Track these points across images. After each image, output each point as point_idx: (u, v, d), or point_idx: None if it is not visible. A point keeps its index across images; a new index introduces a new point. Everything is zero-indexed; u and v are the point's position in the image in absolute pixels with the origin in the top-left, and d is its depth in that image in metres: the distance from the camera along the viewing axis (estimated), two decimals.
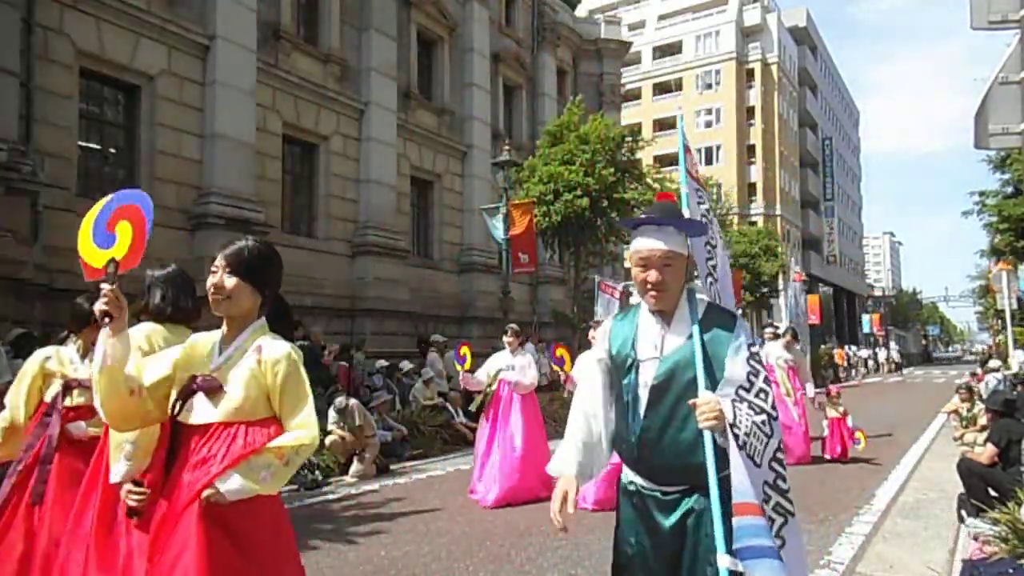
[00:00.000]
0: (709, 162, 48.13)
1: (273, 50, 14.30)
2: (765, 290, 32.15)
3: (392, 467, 8.69)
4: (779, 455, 1.98)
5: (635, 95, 50.55)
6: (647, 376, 2.08)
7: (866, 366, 37.36)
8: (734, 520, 1.82)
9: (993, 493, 5.45)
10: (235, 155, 12.91)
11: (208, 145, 12.65)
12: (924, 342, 73.39)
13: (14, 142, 9.66)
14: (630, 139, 18.10)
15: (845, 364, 31.92)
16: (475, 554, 5.00)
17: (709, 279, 2.22)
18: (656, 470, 2.09)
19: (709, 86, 50.24)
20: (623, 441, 2.15)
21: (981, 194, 22.24)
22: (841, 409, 8.91)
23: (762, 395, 1.98)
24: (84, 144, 11.38)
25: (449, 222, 19.48)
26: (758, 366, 2.03)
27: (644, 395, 2.08)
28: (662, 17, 55.10)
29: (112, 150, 11.99)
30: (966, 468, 5.86)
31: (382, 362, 12.55)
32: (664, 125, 50.39)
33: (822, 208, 58.29)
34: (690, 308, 2.11)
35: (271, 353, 2.09)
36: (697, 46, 51.10)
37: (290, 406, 2.07)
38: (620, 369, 2.16)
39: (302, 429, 2.05)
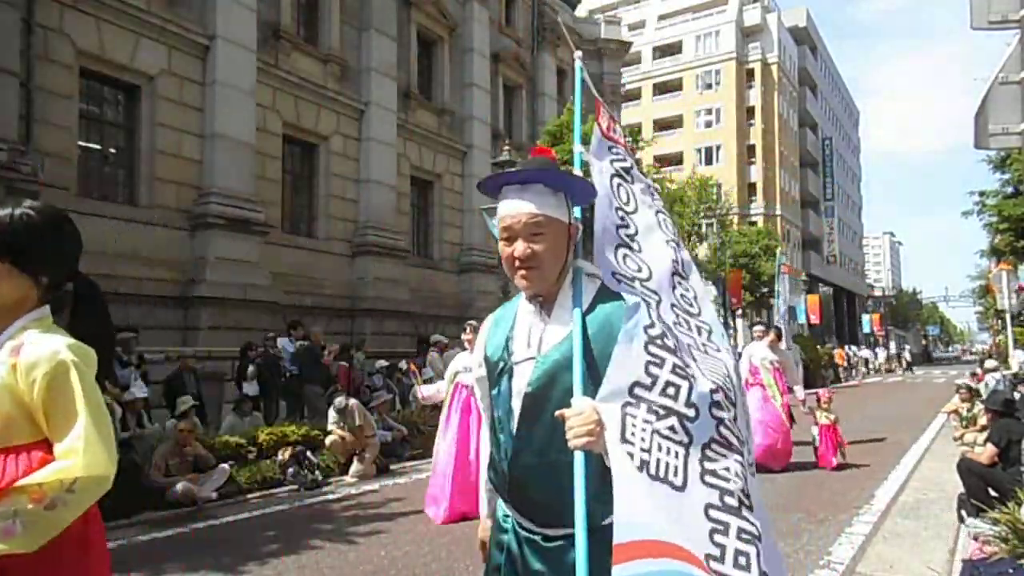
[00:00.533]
0: (709, 162, 48.15)
1: (273, 50, 14.30)
2: (765, 290, 32.19)
3: (392, 467, 8.69)
4: (710, 464, 1.43)
5: (635, 95, 50.58)
6: (521, 382, 1.61)
7: (866, 366, 37.35)
8: (614, 570, 1.31)
9: (993, 493, 5.45)
10: (235, 155, 12.92)
11: (208, 145, 12.66)
12: (924, 342, 73.43)
13: (14, 142, 9.67)
14: (629, 139, 18.12)
15: (845, 364, 31.91)
16: (475, 554, 4.97)
17: (622, 251, 1.68)
18: (534, 506, 1.59)
19: (709, 86, 50.25)
20: (495, 467, 1.69)
21: (981, 194, 22.28)
22: (832, 416, 8.50)
23: (671, 391, 1.44)
24: (84, 144, 11.39)
25: (449, 222, 19.49)
26: (664, 354, 1.47)
27: (517, 407, 1.60)
28: (662, 17, 55.12)
29: (112, 150, 12.00)
30: (966, 468, 5.86)
31: (382, 362, 12.56)
32: (664, 125, 50.46)
33: (822, 208, 58.31)
34: (575, 292, 1.62)
35: (30, 354, 1.51)
36: (697, 46, 51.11)
37: (58, 426, 1.50)
38: (493, 376, 1.70)
39: (70, 457, 1.46)
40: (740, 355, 10.57)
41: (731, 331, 30.45)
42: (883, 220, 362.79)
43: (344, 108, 15.98)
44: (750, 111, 49.89)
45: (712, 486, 1.41)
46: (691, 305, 1.69)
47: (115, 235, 10.89)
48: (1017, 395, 8.17)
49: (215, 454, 7.43)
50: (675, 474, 1.39)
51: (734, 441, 1.48)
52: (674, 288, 1.68)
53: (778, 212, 49.38)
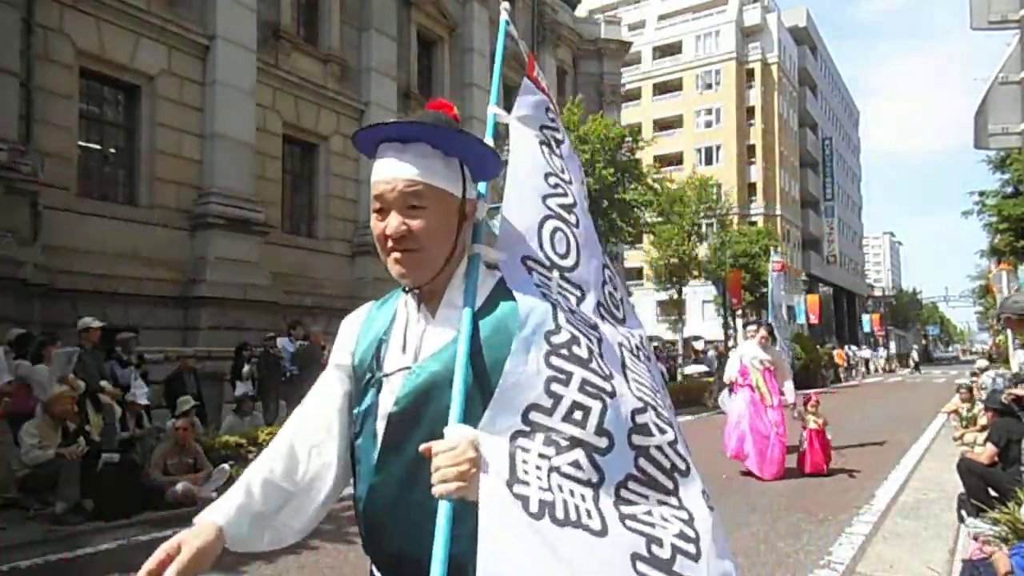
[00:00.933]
0: (709, 162, 48.16)
1: (273, 50, 14.30)
2: (765, 290, 32.14)
3: None
4: (628, 508, 1.11)
5: (635, 95, 50.58)
6: (389, 399, 1.23)
7: (866, 366, 37.35)
8: None
9: (993, 493, 5.45)
10: (235, 155, 12.91)
11: (208, 145, 12.66)
12: (924, 342, 73.45)
13: (14, 142, 9.67)
14: (629, 139, 18.12)
15: (845, 364, 31.91)
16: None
17: (552, 224, 1.35)
18: (391, 559, 1.23)
19: (709, 86, 50.27)
20: (355, 508, 1.30)
21: (981, 194, 22.26)
22: (821, 420, 8.22)
23: (577, 416, 1.11)
24: (84, 144, 11.39)
25: None
26: (571, 367, 1.14)
27: (381, 430, 1.23)
28: (662, 17, 55.14)
29: (112, 150, 11.99)
30: (966, 468, 5.86)
31: None
32: (664, 125, 50.45)
33: (822, 208, 58.34)
34: (467, 286, 1.25)
35: None
36: (697, 46, 51.13)
37: None
38: (359, 389, 1.31)
39: None
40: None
41: (731, 331, 30.44)
42: (883, 220, 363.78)
43: (344, 108, 15.98)
44: (750, 111, 49.92)
45: (636, 531, 1.08)
46: (617, 308, 1.40)
47: (115, 235, 10.89)
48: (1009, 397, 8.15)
49: (215, 454, 7.43)
50: (589, 517, 1.05)
51: (661, 477, 1.16)
52: (603, 284, 1.38)
53: (778, 212, 49.40)
